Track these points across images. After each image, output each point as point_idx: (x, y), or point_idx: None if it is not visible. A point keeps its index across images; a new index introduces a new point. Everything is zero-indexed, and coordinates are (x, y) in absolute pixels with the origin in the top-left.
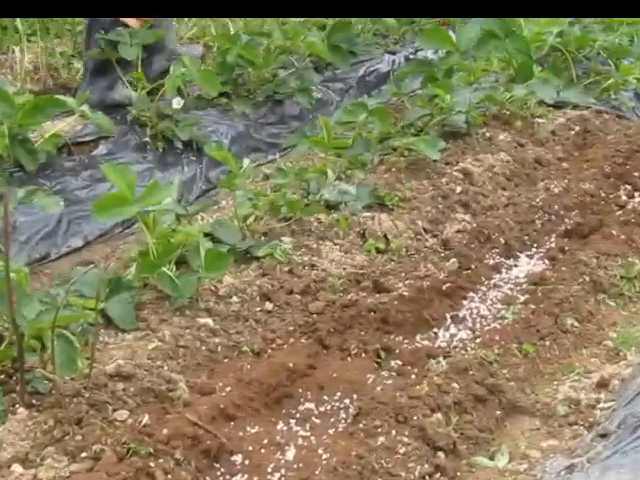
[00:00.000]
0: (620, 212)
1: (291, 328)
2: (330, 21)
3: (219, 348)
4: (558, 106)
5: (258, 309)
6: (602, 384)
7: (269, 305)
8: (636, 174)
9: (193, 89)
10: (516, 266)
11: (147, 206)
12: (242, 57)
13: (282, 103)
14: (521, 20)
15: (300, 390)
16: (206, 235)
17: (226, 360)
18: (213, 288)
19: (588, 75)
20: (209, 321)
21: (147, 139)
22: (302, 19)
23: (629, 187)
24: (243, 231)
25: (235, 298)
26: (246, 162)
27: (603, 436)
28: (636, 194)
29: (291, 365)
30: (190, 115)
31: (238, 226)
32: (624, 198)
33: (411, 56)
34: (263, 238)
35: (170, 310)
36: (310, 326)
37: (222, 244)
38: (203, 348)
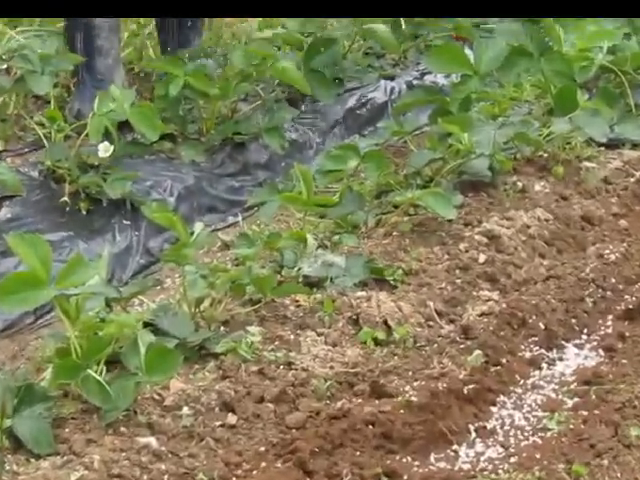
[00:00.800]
0: None
1: (262, 448)
2: (307, 38)
3: (166, 477)
4: (612, 145)
5: (218, 424)
6: None
7: (232, 418)
8: None
9: (126, 131)
10: (561, 360)
11: (67, 288)
12: (191, 87)
13: (245, 147)
14: (561, 33)
15: None
16: (147, 325)
17: None
18: (157, 396)
19: None
20: (152, 441)
21: (65, 198)
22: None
23: None
24: (196, 319)
25: (187, 409)
26: (198, 227)
27: None
28: None
29: None
30: (122, 166)
31: (189, 313)
32: None
33: (415, 82)
34: (223, 328)
35: (100, 427)
36: (288, 445)
37: (168, 337)
38: (145, 477)
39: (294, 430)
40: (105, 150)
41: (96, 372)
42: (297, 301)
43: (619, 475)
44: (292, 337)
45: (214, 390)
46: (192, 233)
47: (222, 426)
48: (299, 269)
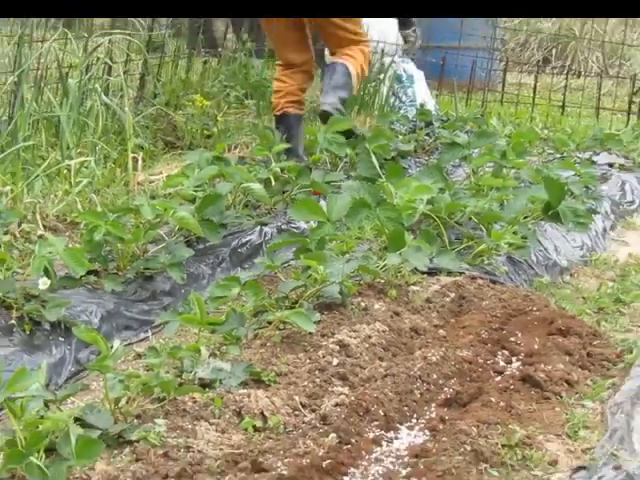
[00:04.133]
0: (499, 378)
1: None
2: (200, 194)
3: None
4: (432, 273)
5: None
6: None
7: None
8: (512, 339)
9: (60, 268)
10: (397, 438)
11: (14, 393)
12: (110, 234)
13: (153, 279)
14: (391, 188)
15: None
16: (76, 420)
17: None
18: (85, 476)
19: (461, 241)
20: None
21: (13, 321)
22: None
23: (506, 352)
24: (115, 415)
25: None
26: (116, 343)
27: None
28: (513, 359)
29: None
30: (58, 295)
31: (110, 409)
32: (502, 364)
33: (283, 227)
34: (136, 421)
35: None
36: None
37: (93, 429)
38: None
39: None
40: (44, 283)
41: (37, 458)
42: (194, 398)
43: None
44: (190, 426)
45: (129, 470)
46: (112, 347)
47: None
48: (195, 373)
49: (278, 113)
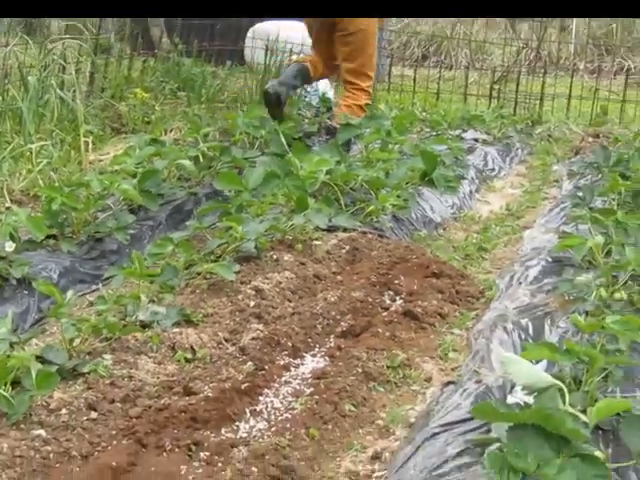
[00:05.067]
0: (385, 313)
1: (114, 432)
2: (140, 170)
3: (51, 455)
4: (331, 230)
5: (85, 418)
6: (376, 457)
7: (94, 414)
8: (396, 282)
9: (24, 234)
10: (302, 364)
11: None
12: (66, 204)
13: (102, 240)
14: (297, 162)
15: None
16: (37, 358)
17: (58, 465)
18: (44, 403)
19: (354, 203)
20: (42, 432)
21: None
22: (114, 169)
23: (391, 292)
24: (70, 352)
25: (64, 410)
26: (69, 294)
27: None
28: (397, 298)
29: (114, 464)
30: (22, 256)
31: (65, 348)
32: (388, 302)
33: (210, 195)
34: (87, 357)
35: (7, 425)
36: (130, 429)
37: (52, 365)
38: (37, 456)
39: (134, 419)
40: (10, 246)
41: (4, 390)
42: (135, 337)
43: (338, 434)
44: (132, 360)
45: (82, 397)
46: (66, 297)
47: (87, 419)
48: (136, 316)
49: None
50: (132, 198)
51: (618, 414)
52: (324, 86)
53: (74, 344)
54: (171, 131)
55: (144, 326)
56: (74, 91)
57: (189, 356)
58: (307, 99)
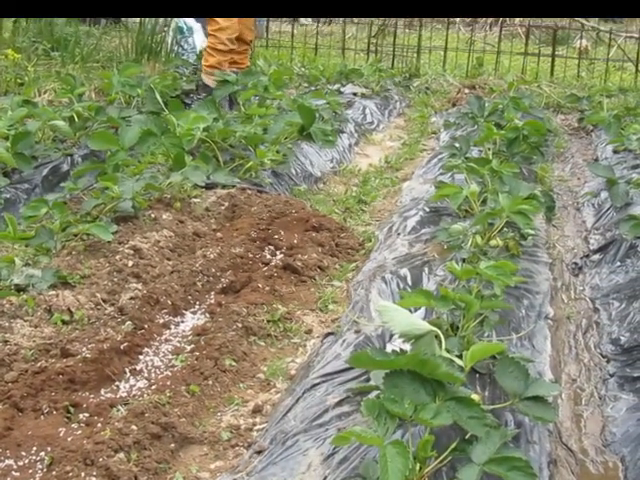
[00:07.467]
0: (265, 268)
1: None
2: (12, 132)
3: None
4: (210, 187)
5: None
6: (257, 410)
7: None
8: (276, 237)
9: None
10: (183, 322)
11: None
12: None
13: None
14: (174, 120)
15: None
16: None
17: None
18: None
19: (233, 160)
20: None
21: None
22: None
23: (272, 247)
24: None
25: None
26: None
27: (259, 452)
28: (277, 252)
29: None
30: None
31: None
32: (268, 257)
33: (86, 157)
34: None
35: None
36: (6, 394)
37: None
38: None
39: (10, 384)
40: None
41: None
42: (10, 301)
43: (219, 389)
44: (7, 324)
45: None
46: None
47: None
48: (11, 280)
49: None
50: (5, 161)
51: (494, 357)
52: (201, 43)
53: None
54: (45, 92)
55: (19, 290)
56: None
57: (66, 318)
58: (184, 57)
